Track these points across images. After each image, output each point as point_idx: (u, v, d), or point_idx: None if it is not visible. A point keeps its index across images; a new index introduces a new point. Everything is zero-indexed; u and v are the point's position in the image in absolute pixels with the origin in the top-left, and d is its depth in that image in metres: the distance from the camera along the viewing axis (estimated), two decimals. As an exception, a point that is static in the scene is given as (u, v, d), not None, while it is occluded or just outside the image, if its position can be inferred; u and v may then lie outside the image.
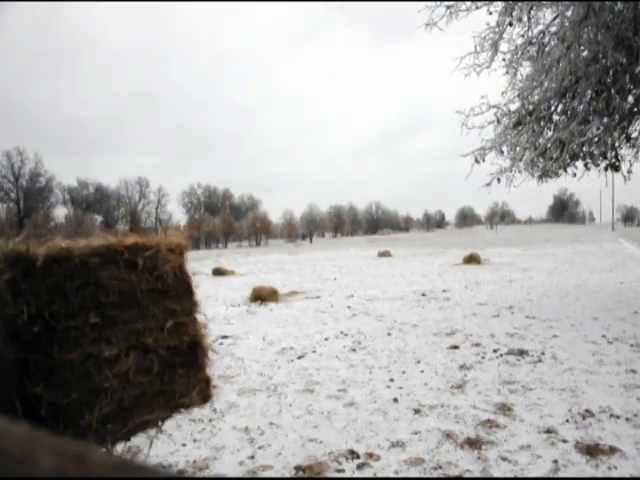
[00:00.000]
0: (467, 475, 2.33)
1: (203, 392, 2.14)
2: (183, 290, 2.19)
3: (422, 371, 4.03)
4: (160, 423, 2.04)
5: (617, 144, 6.23)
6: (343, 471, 2.42)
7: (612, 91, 5.74)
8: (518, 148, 6.25)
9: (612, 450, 2.52)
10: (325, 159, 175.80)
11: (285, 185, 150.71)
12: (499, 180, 6.41)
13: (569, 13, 5.63)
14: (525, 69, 6.45)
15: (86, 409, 1.72)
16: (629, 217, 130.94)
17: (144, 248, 1.95)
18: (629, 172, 6.47)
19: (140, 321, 1.91)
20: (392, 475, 2.37)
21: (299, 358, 4.58)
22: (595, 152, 6.19)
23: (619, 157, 6.32)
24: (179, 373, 2.04)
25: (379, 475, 2.37)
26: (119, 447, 2.80)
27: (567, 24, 5.58)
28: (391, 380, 3.81)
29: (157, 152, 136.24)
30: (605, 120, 5.65)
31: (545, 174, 6.60)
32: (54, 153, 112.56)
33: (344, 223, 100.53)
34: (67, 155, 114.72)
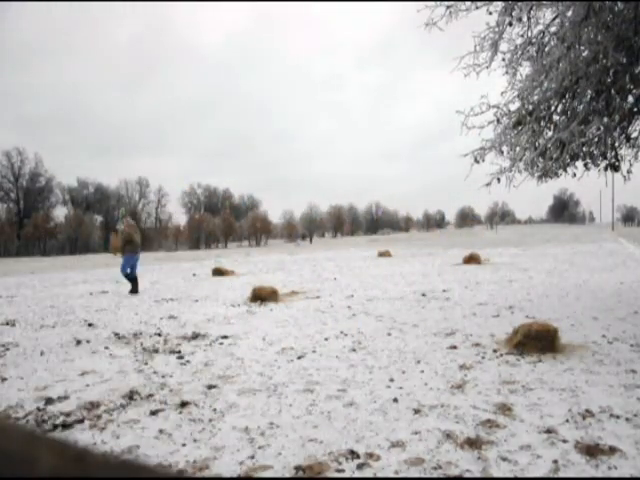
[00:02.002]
0: (467, 475, 2.33)
1: None
2: None
3: (422, 371, 4.03)
4: None
5: (617, 144, 6.23)
6: (343, 471, 2.42)
7: (612, 91, 5.74)
8: (518, 148, 6.25)
9: (612, 450, 2.52)
10: (354, 161, 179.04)
11: (307, 186, 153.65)
12: (499, 180, 6.41)
13: (569, 13, 5.63)
14: (525, 69, 6.44)
15: None
16: (629, 217, 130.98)
17: None
18: (629, 172, 6.47)
19: None
20: (392, 475, 2.37)
21: (299, 358, 4.58)
22: (595, 152, 6.19)
23: (619, 157, 6.32)
24: None
25: (379, 475, 2.37)
26: (119, 447, 2.80)
27: (567, 24, 5.58)
28: (391, 380, 3.81)
29: (188, 154, 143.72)
30: (605, 120, 5.65)
31: (545, 174, 6.60)
32: (96, 155, 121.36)
33: (344, 223, 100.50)
34: (109, 156, 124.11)
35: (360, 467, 2.45)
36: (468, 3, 6.00)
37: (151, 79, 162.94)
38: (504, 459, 2.47)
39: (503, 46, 6.25)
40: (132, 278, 10.15)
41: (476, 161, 6.33)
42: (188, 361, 4.59)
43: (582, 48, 5.56)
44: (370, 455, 2.57)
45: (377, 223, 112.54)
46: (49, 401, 3.57)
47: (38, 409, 3.43)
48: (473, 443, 2.66)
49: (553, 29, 5.96)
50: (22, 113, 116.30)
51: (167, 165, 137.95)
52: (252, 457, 2.61)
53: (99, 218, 76.37)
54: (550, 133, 6.18)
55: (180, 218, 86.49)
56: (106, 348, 5.21)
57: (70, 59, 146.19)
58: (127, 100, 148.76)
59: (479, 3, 6.02)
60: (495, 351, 4.58)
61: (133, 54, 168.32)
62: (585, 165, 6.35)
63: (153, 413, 3.29)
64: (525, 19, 5.97)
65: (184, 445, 2.79)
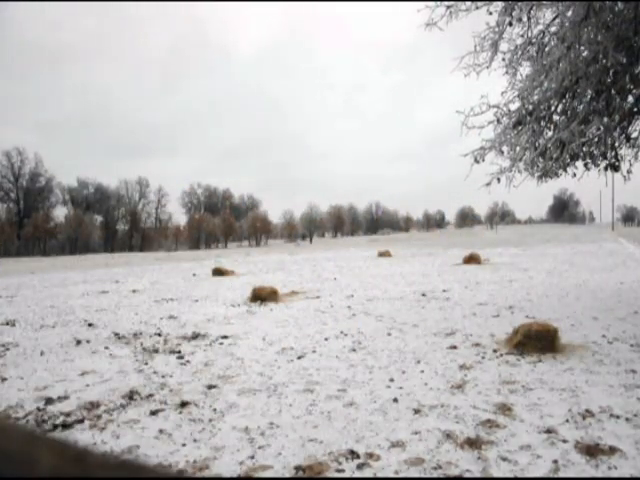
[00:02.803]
0: (467, 475, 2.33)
1: None
2: None
3: (422, 371, 4.03)
4: None
5: (617, 144, 6.23)
6: (343, 471, 2.42)
7: (612, 91, 5.74)
8: (518, 148, 6.24)
9: (612, 450, 2.52)
10: (362, 162, 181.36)
11: (314, 187, 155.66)
12: (499, 180, 6.40)
13: (569, 13, 5.63)
14: (525, 69, 6.44)
15: None
16: (629, 217, 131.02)
17: None
18: (629, 172, 6.47)
19: None
20: (392, 475, 2.37)
21: (299, 358, 4.58)
22: (595, 152, 6.19)
23: (619, 157, 6.32)
24: None
25: (379, 475, 2.37)
26: (119, 447, 2.80)
27: (567, 24, 5.58)
28: (391, 380, 3.81)
29: (202, 155, 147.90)
30: (605, 120, 5.65)
31: (545, 174, 6.59)
32: (113, 155, 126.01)
33: (344, 223, 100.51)
34: (132, 157, 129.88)
35: (360, 467, 2.45)
36: (468, 3, 6.00)
37: (178, 83, 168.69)
38: (504, 459, 2.47)
39: (503, 46, 6.25)
40: None
41: (476, 161, 6.32)
42: (188, 361, 4.59)
43: (582, 48, 5.56)
44: (370, 455, 2.57)
45: (377, 223, 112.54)
46: (49, 401, 3.57)
47: (38, 409, 3.43)
48: (473, 443, 2.66)
49: (553, 29, 5.96)
50: (44, 114, 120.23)
51: (181, 166, 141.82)
52: (252, 457, 2.61)
53: (99, 218, 76.32)
54: (550, 133, 6.18)
55: (180, 218, 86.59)
56: (106, 348, 5.21)
57: (101, 62, 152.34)
58: (151, 103, 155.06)
59: (479, 3, 6.02)
60: (495, 351, 4.58)
61: (163, 59, 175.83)
62: (585, 165, 6.35)
63: (153, 413, 3.29)
64: (525, 19, 5.97)
65: (184, 445, 2.79)
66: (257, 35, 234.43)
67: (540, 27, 6.07)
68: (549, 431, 2.78)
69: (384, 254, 21.10)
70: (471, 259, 15.23)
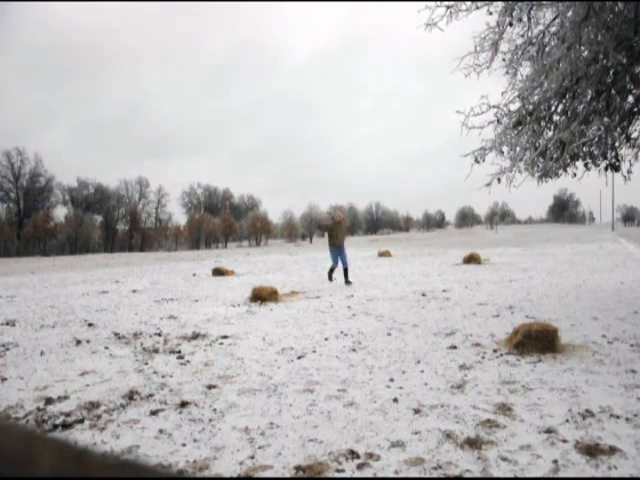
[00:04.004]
0: (467, 475, 2.33)
1: None
2: None
3: (422, 371, 4.03)
4: None
5: (617, 144, 6.22)
6: (343, 471, 2.42)
7: (612, 91, 5.74)
8: (518, 148, 6.24)
9: (612, 450, 2.52)
10: (377, 163, 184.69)
11: (330, 187, 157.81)
12: (499, 180, 6.40)
13: (569, 13, 5.63)
14: (525, 69, 6.44)
15: None
16: (629, 217, 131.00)
17: None
18: (629, 172, 6.47)
19: None
20: (392, 475, 2.37)
21: (299, 358, 4.58)
22: (595, 152, 6.19)
23: (619, 157, 6.32)
24: None
25: (379, 475, 2.37)
26: (119, 447, 2.80)
27: (567, 24, 5.58)
28: (391, 380, 3.81)
29: (227, 155, 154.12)
30: (605, 120, 5.65)
31: (545, 174, 6.59)
32: (143, 156, 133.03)
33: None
34: (157, 158, 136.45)
35: (360, 467, 2.45)
36: (468, 3, 6.00)
37: (222, 86, 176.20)
38: (504, 459, 2.47)
39: (503, 46, 6.25)
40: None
41: (476, 161, 6.32)
42: (188, 361, 4.59)
43: (582, 48, 5.56)
44: (370, 455, 2.57)
45: (377, 223, 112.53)
46: (49, 401, 3.57)
47: (38, 409, 3.43)
48: (473, 443, 2.66)
49: (553, 29, 5.96)
50: (84, 116, 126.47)
51: (202, 167, 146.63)
52: (252, 457, 2.61)
53: (99, 218, 76.34)
54: (550, 133, 6.18)
55: (180, 218, 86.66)
56: (106, 348, 5.21)
57: (151, 64, 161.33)
58: (192, 105, 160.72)
59: (479, 3, 6.02)
60: (495, 351, 4.58)
61: (213, 63, 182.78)
62: (585, 165, 6.35)
63: (153, 413, 3.29)
64: (525, 19, 5.96)
65: (184, 445, 2.79)
66: (309, 43, 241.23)
67: (540, 27, 6.07)
68: (549, 431, 2.78)
69: (384, 254, 21.10)
70: (471, 259, 15.23)
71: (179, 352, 4.94)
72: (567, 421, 2.91)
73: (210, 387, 3.80)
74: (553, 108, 6.14)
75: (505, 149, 6.34)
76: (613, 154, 6.26)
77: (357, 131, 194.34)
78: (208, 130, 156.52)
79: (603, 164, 6.31)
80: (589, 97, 5.95)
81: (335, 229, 10.70)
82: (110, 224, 77.02)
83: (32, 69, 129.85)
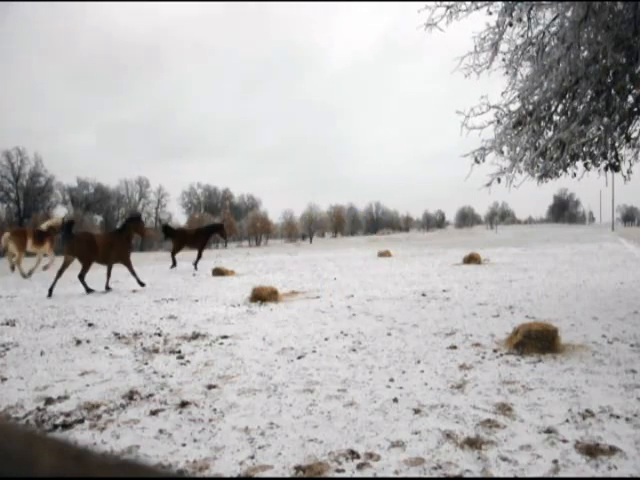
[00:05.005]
0: (467, 475, 2.33)
1: None
2: None
3: (422, 371, 4.03)
4: None
5: (617, 144, 6.23)
6: (343, 471, 2.42)
7: (612, 91, 5.74)
8: (518, 148, 6.24)
9: (612, 450, 2.52)
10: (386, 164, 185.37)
11: (340, 186, 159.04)
12: (499, 180, 6.41)
13: (569, 13, 5.63)
14: (525, 69, 6.45)
15: None
16: (629, 217, 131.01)
17: None
18: (629, 172, 6.47)
19: None
20: (392, 475, 2.37)
21: (299, 358, 4.58)
22: (595, 152, 6.19)
23: (619, 157, 6.32)
24: None
25: (379, 475, 2.37)
26: (119, 447, 2.80)
27: (567, 24, 5.58)
28: (391, 380, 3.81)
29: (240, 156, 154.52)
30: (605, 120, 5.65)
31: (545, 174, 6.59)
32: (173, 156, 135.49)
33: (344, 223, 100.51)
34: (180, 159, 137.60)
35: (360, 467, 2.45)
36: (468, 3, 6.00)
37: (257, 88, 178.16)
38: (504, 459, 2.47)
39: (503, 46, 6.26)
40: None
41: (476, 161, 6.33)
42: (188, 361, 4.59)
43: (582, 48, 5.56)
44: (370, 455, 2.57)
45: (377, 223, 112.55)
46: (49, 401, 3.57)
47: (38, 409, 3.43)
48: (473, 443, 2.66)
49: (553, 29, 5.97)
50: (113, 118, 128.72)
51: (222, 167, 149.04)
52: (252, 457, 2.61)
53: (99, 218, 76.33)
54: (550, 133, 6.18)
55: (180, 218, 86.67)
56: (106, 348, 5.21)
57: (189, 64, 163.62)
58: (219, 108, 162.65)
59: (479, 3, 6.02)
60: (495, 351, 4.58)
61: (252, 65, 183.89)
62: (585, 165, 6.35)
63: (153, 413, 3.29)
64: (525, 19, 5.97)
65: (184, 445, 2.79)
66: (350, 51, 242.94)
67: (540, 27, 6.08)
68: (549, 431, 2.78)
69: (384, 254, 21.09)
70: (471, 259, 15.22)
71: (179, 352, 4.94)
72: (567, 421, 2.91)
73: (210, 387, 3.80)
74: (553, 108, 6.14)
75: (505, 149, 6.35)
76: (613, 154, 6.26)
77: (376, 133, 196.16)
78: (232, 131, 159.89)
79: (603, 164, 6.31)
80: (589, 97, 5.96)
81: None
82: (110, 224, 76.97)
83: (77, 74, 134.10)
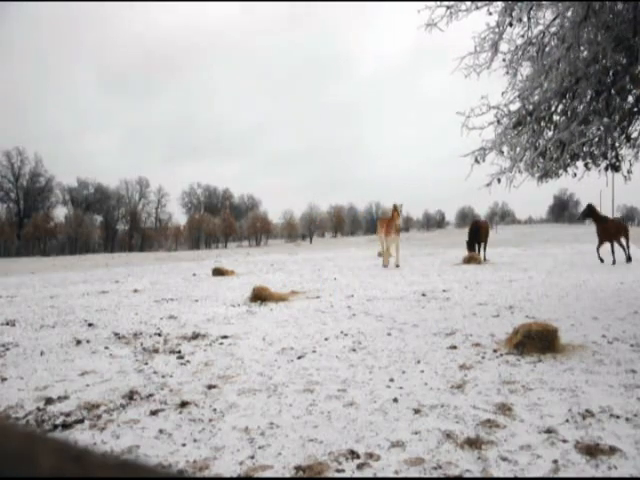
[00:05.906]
0: (467, 475, 2.33)
1: None
2: None
3: (422, 371, 4.03)
4: None
5: (617, 144, 6.22)
6: (343, 471, 2.42)
7: (612, 91, 5.74)
8: (518, 148, 6.24)
9: (612, 450, 2.52)
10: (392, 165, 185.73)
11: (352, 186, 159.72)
12: (499, 180, 6.40)
13: (569, 13, 5.63)
14: (525, 69, 6.44)
15: None
16: (629, 217, 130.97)
17: None
18: (629, 172, 6.47)
19: None
20: (392, 475, 2.37)
21: (299, 358, 4.58)
22: (595, 152, 6.19)
23: (619, 157, 6.32)
24: None
25: (379, 475, 2.37)
26: (119, 447, 2.80)
27: (567, 24, 5.58)
28: (391, 380, 3.81)
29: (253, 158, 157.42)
30: (605, 120, 5.65)
31: (545, 174, 6.59)
32: (188, 157, 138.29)
33: (344, 223, 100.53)
34: (196, 159, 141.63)
35: (360, 467, 2.45)
36: (468, 3, 6.00)
37: (281, 91, 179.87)
38: (504, 459, 2.47)
39: (503, 46, 6.25)
40: None
41: (477, 161, 6.32)
42: (188, 361, 4.59)
43: (582, 48, 5.56)
44: (370, 455, 2.57)
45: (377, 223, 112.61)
46: (49, 401, 3.57)
47: (38, 409, 3.43)
48: (473, 443, 2.66)
49: (553, 29, 5.96)
50: (137, 120, 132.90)
51: (235, 168, 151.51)
52: (252, 457, 2.61)
53: (99, 218, 76.36)
54: (550, 133, 6.18)
55: (180, 218, 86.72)
56: (106, 348, 5.21)
57: (214, 70, 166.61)
58: (241, 109, 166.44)
59: (479, 3, 6.02)
60: (495, 351, 4.58)
61: (279, 70, 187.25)
62: (585, 165, 6.35)
63: (153, 413, 3.29)
64: (525, 19, 5.96)
65: (184, 445, 2.79)
66: (379, 56, 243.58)
67: (540, 27, 6.07)
68: (549, 431, 2.78)
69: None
70: (471, 259, 15.23)
71: (179, 352, 4.94)
72: (567, 421, 2.91)
73: (210, 387, 3.80)
74: (553, 108, 6.14)
75: (505, 149, 6.34)
76: (613, 154, 6.26)
77: (391, 137, 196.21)
78: (250, 132, 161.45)
79: (603, 164, 6.31)
80: (589, 97, 5.96)
81: None
82: (110, 224, 77.04)
83: (109, 80, 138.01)
